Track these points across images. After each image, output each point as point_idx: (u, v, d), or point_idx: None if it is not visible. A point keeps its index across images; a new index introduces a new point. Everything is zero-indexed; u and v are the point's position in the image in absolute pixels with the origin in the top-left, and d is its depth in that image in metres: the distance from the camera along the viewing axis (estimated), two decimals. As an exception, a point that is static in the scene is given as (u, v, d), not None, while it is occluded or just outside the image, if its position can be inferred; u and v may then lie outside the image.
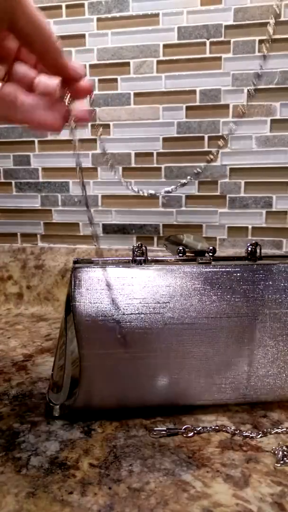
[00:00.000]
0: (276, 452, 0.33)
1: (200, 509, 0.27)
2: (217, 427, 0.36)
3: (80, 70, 0.31)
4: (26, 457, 0.33)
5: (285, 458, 0.32)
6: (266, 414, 0.38)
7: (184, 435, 0.35)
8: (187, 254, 0.41)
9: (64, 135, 0.76)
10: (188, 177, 0.40)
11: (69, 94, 0.31)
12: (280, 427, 0.36)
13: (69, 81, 0.31)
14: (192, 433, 0.35)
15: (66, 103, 0.31)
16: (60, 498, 0.29)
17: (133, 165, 0.74)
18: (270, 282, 0.38)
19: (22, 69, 0.31)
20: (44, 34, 0.28)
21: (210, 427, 0.36)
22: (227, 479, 0.30)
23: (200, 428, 0.36)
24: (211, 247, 0.41)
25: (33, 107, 0.30)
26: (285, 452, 0.32)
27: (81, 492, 0.29)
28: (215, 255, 0.41)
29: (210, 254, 0.40)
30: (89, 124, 0.75)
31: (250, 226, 0.72)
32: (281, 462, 0.31)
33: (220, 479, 0.30)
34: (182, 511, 0.27)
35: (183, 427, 0.36)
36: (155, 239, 0.75)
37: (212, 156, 0.39)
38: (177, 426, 0.36)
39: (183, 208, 0.73)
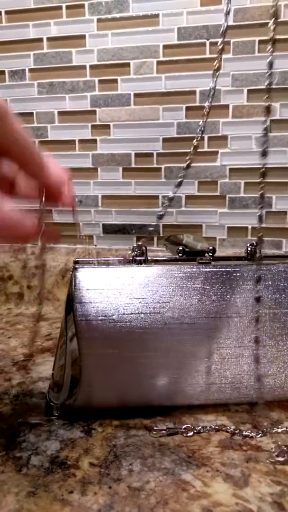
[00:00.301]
0: (274, 450, 0.33)
1: (200, 509, 0.28)
2: (217, 427, 0.36)
3: (61, 180, 0.31)
4: (26, 457, 0.33)
5: (279, 457, 0.32)
6: (266, 414, 0.38)
7: (184, 435, 0.35)
8: (187, 254, 0.41)
9: (65, 135, 0.77)
10: (180, 177, 0.40)
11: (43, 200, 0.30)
12: (279, 426, 0.36)
13: (51, 188, 0.30)
14: (192, 433, 0.35)
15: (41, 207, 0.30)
16: (60, 497, 0.29)
17: (133, 165, 0.74)
18: (270, 282, 0.38)
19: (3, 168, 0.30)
20: (25, 149, 0.28)
21: (210, 427, 0.36)
22: (227, 479, 0.30)
23: (200, 427, 0.36)
24: (211, 247, 0.41)
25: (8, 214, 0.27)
26: (283, 448, 0.32)
27: (81, 491, 0.29)
28: (215, 255, 0.41)
29: (210, 254, 0.40)
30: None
31: (250, 226, 0.72)
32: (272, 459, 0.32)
33: (220, 478, 0.30)
34: (182, 511, 0.27)
35: (183, 427, 0.36)
36: (155, 239, 0.75)
37: (190, 158, 0.39)
38: (177, 426, 0.36)
39: (183, 208, 0.73)
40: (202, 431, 0.35)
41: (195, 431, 0.35)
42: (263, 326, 0.37)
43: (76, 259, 0.39)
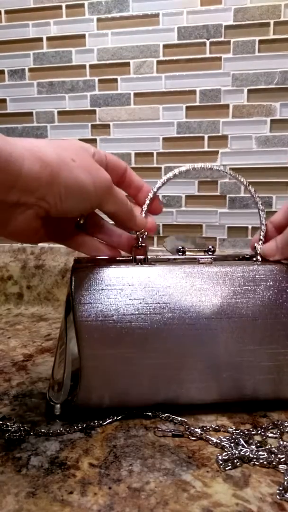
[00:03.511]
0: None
1: (200, 509, 0.28)
2: (217, 427, 0.36)
3: (144, 227, 0.40)
4: (26, 457, 0.33)
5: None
6: (266, 413, 0.38)
7: (186, 437, 0.35)
8: (187, 254, 0.41)
9: (64, 135, 0.76)
10: (170, 175, 0.41)
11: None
12: (280, 426, 0.36)
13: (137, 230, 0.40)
14: (195, 436, 0.35)
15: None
16: (60, 498, 0.29)
17: (133, 165, 0.74)
18: (271, 283, 0.38)
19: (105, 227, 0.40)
20: (126, 213, 0.37)
21: (210, 427, 0.36)
22: (227, 479, 0.30)
23: (201, 427, 0.36)
24: (211, 247, 0.41)
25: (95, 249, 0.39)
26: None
27: (81, 492, 0.29)
28: (216, 254, 0.41)
29: (210, 254, 0.40)
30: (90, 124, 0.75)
31: (250, 226, 0.72)
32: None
33: (220, 479, 0.30)
34: (182, 511, 0.27)
35: (187, 428, 0.36)
36: (155, 239, 0.75)
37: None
38: (176, 427, 0.36)
39: (183, 208, 0.73)
40: (203, 431, 0.35)
41: (198, 433, 0.35)
42: (264, 327, 0.37)
43: (76, 259, 0.39)
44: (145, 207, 0.40)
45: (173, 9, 0.69)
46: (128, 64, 0.72)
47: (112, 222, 0.39)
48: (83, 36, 0.72)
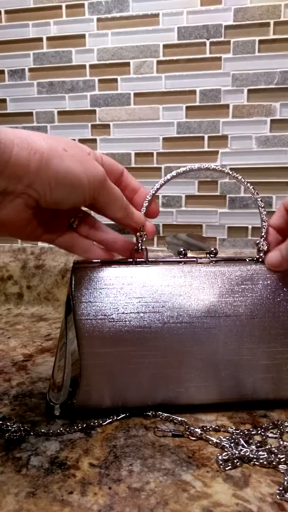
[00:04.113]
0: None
1: (200, 509, 0.28)
2: (217, 427, 0.36)
3: (142, 223, 0.39)
4: (26, 457, 0.33)
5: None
6: (266, 413, 0.38)
7: (186, 437, 0.35)
8: (188, 255, 0.40)
9: (64, 135, 0.76)
10: (166, 177, 0.41)
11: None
12: (280, 426, 0.36)
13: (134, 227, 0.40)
14: (195, 436, 0.35)
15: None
16: (60, 498, 0.29)
17: (133, 165, 0.74)
18: (269, 281, 0.38)
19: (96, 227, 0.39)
20: (120, 208, 0.37)
21: (210, 427, 0.36)
22: (227, 479, 0.30)
23: (200, 429, 0.36)
24: (213, 248, 0.40)
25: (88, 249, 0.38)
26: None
27: (81, 492, 0.29)
28: (218, 257, 0.40)
29: (212, 256, 0.40)
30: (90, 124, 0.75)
31: (250, 226, 0.72)
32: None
33: (220, 479, 0.30)
34: (182, 511, 0.27)
35: (187, 428, 0.36)
36: (155, 239, 0.75)
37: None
38: (176, 427, 0.36)
39: (183, 208, 0.73)
40: (203, 431, 0.35)
41: (198, 433, 0.35)
42: (262, 326, 0.37)
43: (76, 261, 0.39)
44: (143, 208, 0.40)
45: (173, 9, 0.69)
46: (128, 64, 0.72)
47: (110, 222, 0.39)
48: (83, 36, 0.72)
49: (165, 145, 0.72)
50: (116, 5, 0.71)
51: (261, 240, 0.40)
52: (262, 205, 0.40)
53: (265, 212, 0.40)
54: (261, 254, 0.40)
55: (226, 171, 0.42)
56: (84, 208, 0.38)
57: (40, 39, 0.74)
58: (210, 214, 0.73)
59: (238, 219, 0.72)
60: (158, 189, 0.41)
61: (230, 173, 0.41)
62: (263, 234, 0.40)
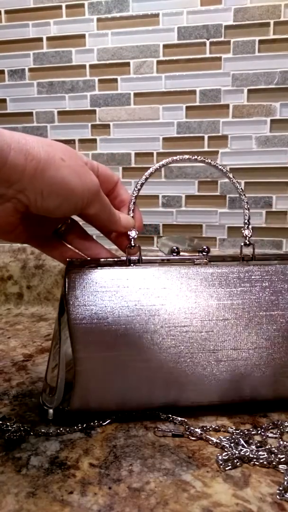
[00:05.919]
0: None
1: (200, 509, 0.28)
2: (217, 427, 0.36)
3: (129, 227, 0.39)
4: (26, 457, 0.33)
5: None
6: (266, 414, 0.38)
7: (186, 437, 0.35)
8: (181, 254, 0.40)
9: (64, 135, 0.77)
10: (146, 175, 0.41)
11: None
12: (280, 426, 0.36)
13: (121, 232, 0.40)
14: (195, 436, 0.35)
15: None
16: (60, 498, 0.29)
17: (133, 165, 0.74)
18: (267, 283, 0.38)
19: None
20: (109, 216, 0.36)
21: (210, 427, 0.36)
22: (227, 479, 0.30)
23: (200, 429, 0.36)
24: (205, 247, 0.40)
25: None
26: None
27: (81, 492, 0.29)
28: (211, 255, 0.40)
29: (204, 254, 0.40)
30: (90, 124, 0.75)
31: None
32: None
33: (220, 479, 0.30)
34: (182, 511, 0.27)
35: (187, 428, 0.36)
36: (155, 239, 0.75)
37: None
38: (176, 427, 0.36)
39: (183, 208, 0.73)
40: (203, 431, 0.35)
41: (198, 433, 0.35)
42: (260, 328, 0.37)
43: (69, 260, 0.38)
44: (132, 205, 0.40)
45: (173, 9, 0.69)
46: (128, 64, 0.72)
47: (97, 233, 0.39)
48: (83, 36, 0.72)
49: (165, 145, 0.72)
50: (116, 5, 0.71)
51: (246, 229, 0.40)
52: (247, 207, 0.41)
53: (246, 200, 0.41)
54: (246, 241, 0.40)
55: (213, 163, 0.42)
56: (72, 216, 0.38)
57: (40, 39, 0.74)
58: (210, 214, 0.73)
59: (238, 219, 0.72)
60: (143, 183, 0.40)
61: (216, 164, 0.42)
62: (245, 220, 0.41)
